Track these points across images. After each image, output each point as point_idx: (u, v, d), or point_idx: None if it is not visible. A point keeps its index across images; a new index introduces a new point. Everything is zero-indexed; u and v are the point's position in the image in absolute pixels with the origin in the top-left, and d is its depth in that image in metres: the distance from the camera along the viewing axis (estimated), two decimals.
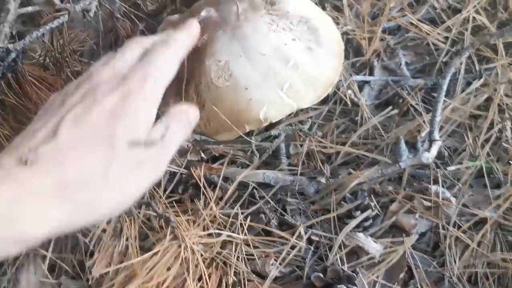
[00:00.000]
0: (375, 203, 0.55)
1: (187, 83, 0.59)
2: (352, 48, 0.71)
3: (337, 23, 0.72)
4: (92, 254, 0.56)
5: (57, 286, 0.56)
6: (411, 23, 0.72)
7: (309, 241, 0.56)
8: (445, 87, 0.56)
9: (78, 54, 0.73)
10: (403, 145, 0.55)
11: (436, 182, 0.57)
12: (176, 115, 0.45)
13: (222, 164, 0.61)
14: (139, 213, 0.56)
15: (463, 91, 0.65)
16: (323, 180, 0.58)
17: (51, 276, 0.57)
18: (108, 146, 0.39)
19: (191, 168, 0.60)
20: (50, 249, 0.57)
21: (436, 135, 0.56)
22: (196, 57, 0.58)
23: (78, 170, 0.37)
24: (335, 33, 0.62)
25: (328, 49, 0.60)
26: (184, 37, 0.49)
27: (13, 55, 0.54)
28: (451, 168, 0.56)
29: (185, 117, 0.46)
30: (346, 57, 0.69)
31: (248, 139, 0.58)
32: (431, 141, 0.56)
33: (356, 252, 0.55)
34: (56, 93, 0.43)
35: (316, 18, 0.60)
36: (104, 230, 0.55)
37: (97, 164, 0.39)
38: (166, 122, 0.44)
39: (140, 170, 0.42)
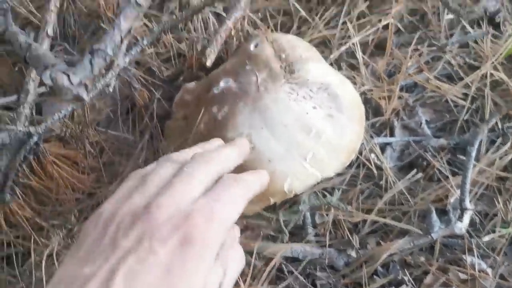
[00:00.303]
0: (409, 277, 0.53)
1: None
2: (371, 108, 0.70)
3: (354, 83, 0.71)
4: None
5: None
6: (428, 80, 0.71)
7: None
8: (473, 154, 0.55)
9: (95, 124, 0.72)
10: (434, 216, 0.54)
11: (470, 251, 0.55)
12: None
13: (247, 237, 0.59)
14: None
15: (487, 150, 0.64)
16: (353, 253, 0.56)
17: None
18: None
19: None
20: None
21: (467, 203, 0.54)
22: (218, 130, 0.57)
23: None
24: (356, 97, 0.62)
25: (349, 114, 0.59)
26: (235, 156, 0.47)
27: (35, 138, 0.53)
28: (486, 238, 0.54)
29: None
30: (366, 117, 0.68)
31: (267, 214, 0.57)
32: (463, 210, 0.54)
33: None
34: (113, 204, 0.38)
35: (335, 83, 0.60)
36: None
37: None
38: (223, 264, 0.39)
39: None
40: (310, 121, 0.56)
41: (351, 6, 0.80)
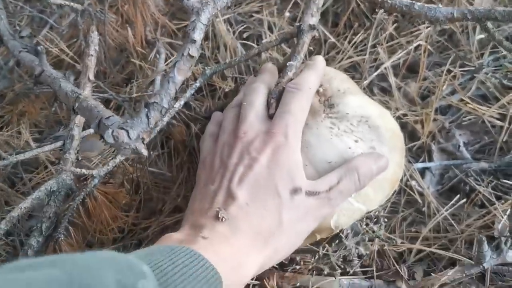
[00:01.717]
0: None
1: None
2: (406, 132, 0.70)
3: (388, 107, 0.71)
4: None
5: None
6: (462, 101, 0.71)
7: None
8: None
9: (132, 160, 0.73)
10: (486, 247, 0.54)
11: None
12: (355, 168, 0.52)
13: (294, 270, 0.59)
14: None
15: None
16: (403, 286, 0.56)
17: None
18: (275, 195, 0.47)
19: (264, 279, 0.58)
20: None
21: None
22: None
23: (261, 221, 0.47)
24: (396, 127, 0.61)
25: (390, 145, 0.59)
26: (312, 78, 0.57)
27: (96, 180, 0.54)
28: None
29: (366, 170, 0.53)
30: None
31: (315, 248, 0.57)
32: None
33: None
34: (208, 154, 0.54)
35: (375, 115, 0.60)
36: None
37: (272, 213, 0.47)
38: (340, 173, 0.52)
39: (304, 217, 0.49)
40: (354, 156, 0.56)
41: (379, 29, 0.80)
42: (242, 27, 0.83)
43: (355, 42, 0.78)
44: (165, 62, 0.78)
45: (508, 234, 0.55)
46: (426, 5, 0.43)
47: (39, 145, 0.67)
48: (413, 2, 0.43)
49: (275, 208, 0.47)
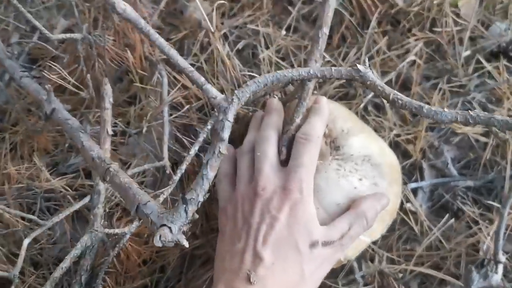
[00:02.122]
0: None
1: None
2: (400, 152, 0.76)
3: (382, 128, 0.77)
4: None
5: None
6: None
7: None
8: (506, 215, 0.62)
9: (143, 185, 0.77)
10: (474, 274, 0.62)
11: None
12: (363, 213, 0.58)
13: None
14: None
15: (510, 189, 0.71)
16: None
17: None
18: (296, 251, 0.53)
19: None
20: None
21: (501, 256, 0.62)
22: None
23: (285, 277, 0.53)
24: (394, 161, 0.67)
25: (390, 179, 0.65)
26: (318, 125, 0.62)
27: (127, 236, 0.59)
28: None
29: (373, 212, 0.59)
30: None
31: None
32: (497, 263, 0.62)
33: None
34: (228, 203, 0.59)
35: (376, 153, 0.65)
36: None
37: (295, 267, 0.53)
38: (350, 220, 0.58)
39: (321, 265, 0.56)
40: (358, 194, 0.62)
41: (370, 42, 0.83)
42: (237, 37, 0.85)
43: (348, 59, 0.82)
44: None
45: (492, 256, 0.63)
46: (433, 108, 0.47)
47: (64, 194, 0.70)
48: (422, 105, 0.48)
49: (297, 263, 0.53)
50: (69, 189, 0.74)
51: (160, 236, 0.43)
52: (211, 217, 0.72)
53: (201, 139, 0.47)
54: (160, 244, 0.43)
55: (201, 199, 0.45)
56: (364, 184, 0.63)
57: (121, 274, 0.64)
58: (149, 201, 0.48)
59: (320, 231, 0.56)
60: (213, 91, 0.50)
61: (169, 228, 0.44)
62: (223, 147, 0.46)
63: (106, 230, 0.57)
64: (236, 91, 0.48)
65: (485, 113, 0.47)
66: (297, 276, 0.53)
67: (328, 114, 0.64)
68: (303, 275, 0.53)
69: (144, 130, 0.74)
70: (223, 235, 0.58)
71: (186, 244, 0.45)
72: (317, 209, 0.61)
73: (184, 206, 0.45)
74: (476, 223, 0.69)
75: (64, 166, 0.79)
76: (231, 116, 0.46)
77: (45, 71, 0.81)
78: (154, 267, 0.71)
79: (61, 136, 0.81)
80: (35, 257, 0.72)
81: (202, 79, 0.52)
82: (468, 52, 0.80)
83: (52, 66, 0.79)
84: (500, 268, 0.62)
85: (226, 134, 0.46)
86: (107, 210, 0.64)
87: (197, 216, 0.45)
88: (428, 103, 0.75)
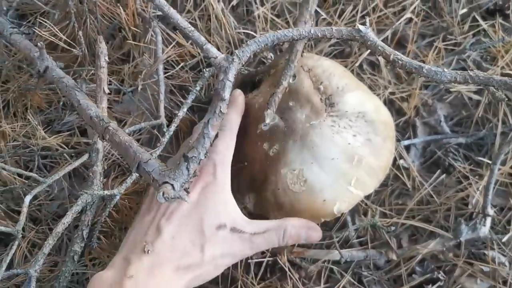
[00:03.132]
0: (442, 274, 0.65)
1: (263, 187, 0.66)
2: (394, 109, 0.77)
3: (377, 86, 0.77)
4: None
5: None
6: None
7: None
8: (496, 171, 0.64)
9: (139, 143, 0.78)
10: (463, 226, 0.64)
11: (490, 244, 0.67)
12: (284, 227, 0.59)
13: (301, 246, 0.69)
14: None
15: (500, 146, 0.72)
16: (393, 256, 0.67)
17: None
18: (199, 230, 0.53)
19: (277, 256, 0.68)
20: None
21: (489, 210, 0.64)
22: (271, 165, 0.64)
23: (183, 255, 0.52)
24: (388, 118, 0.68)
25: (384, 135, 0.66)
26: (234, 116, 0.62)
27: (117, 197, 0.60)
28: (504, 238, 0.66)
29: (294, 234, 0.60)
30: None
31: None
32: (485, 216, 0.64)
33: None
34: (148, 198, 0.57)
35: (371, 110, 0.66)
36: None
37: (195, 247, 0.53)
38: (270, 225, 0.59)
39: (225, 253, 0.55)
40: (352, 150, 0.63)
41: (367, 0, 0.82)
42: None
43: (344, 16, 0.81)
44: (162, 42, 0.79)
45: (480, 210, 0.65)
46: (433, 69, 0.48)
47: (61, 152, 0.70)
48: (422, 65, 0.48)
49: (197, 242, 0.53)
50: (65, 147, 0.75)
51: (163, 193, 0.44)
52: None
53: (189, 100, 0.47)
54: (163, 201, 0.43)
55: (202, 157, 0.46)
56: (358, 140, 0.64)
57: (117, 231, 0.66)
58: (150, 159, 0.49)
59: (231, 216, 0.56)
60: (214, 51, 0.50)
61: (172, 185, 0.45)
62: (224, 107, 0.46)
63: (96, 192, 0.57)
64: (236, 51, 0.48)
65: (484, 73, 0.48)
66: (197, 254, 0.53)
67: (242, 105, 0.65)
68: (202, 255, 0.53)
69: (139, 89, 0.73)
70: (139, 211, 0.59)
71: (187, 199, 0.46)
72: (311, 164, 0.63)
73: (186, 164, 0.46)
74: (467, 178, 0.71)
75: (59, 124, 0.79)
76: (231, 76, 0.46)
77: (36, 28, 0.79)
78: None
79: (55, 94, 0.81)
80: (34, 213, 0.73)
81: (202, 38, 0.52)
82: (464, 10, 0.80)
83: (43, 22, 0.78)
84: (488, 221, 0.65)
85: (227, 94, 0.46)
86: (105, 168, 0.65)
87: (198, 173, 0.46)
88: (423, 61, 0.76)
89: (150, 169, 0.48)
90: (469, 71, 0.48)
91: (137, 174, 0.56)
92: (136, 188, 0.69)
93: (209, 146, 0.46)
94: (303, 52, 0.68)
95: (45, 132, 0.76)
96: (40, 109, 0.81)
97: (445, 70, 0.48)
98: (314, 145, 0.63)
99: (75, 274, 0.69)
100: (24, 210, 0.55)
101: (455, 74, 0.48)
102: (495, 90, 0.48)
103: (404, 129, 0.77)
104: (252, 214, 0.69)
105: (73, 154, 0.72)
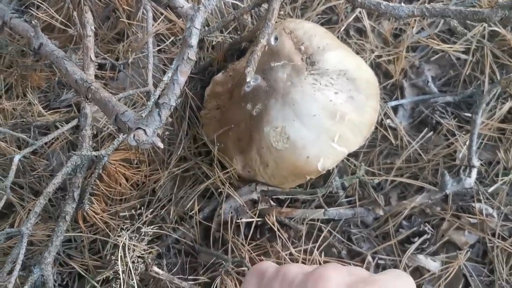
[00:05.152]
0: (429, 227, 0.65)
1: (248, 147, 0.67)
2: (381, 72, 0.77)
3: (364, 50, 0.78)
4: None
5: None
6: (431, 38, 0.78)
7: (377, 265, 0.67)
8: (479, 121, 0.64)
9: None
10: (448, 177, 0.64)
11: (477, 196, 0.66)
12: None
13: (289, 206, 0.71)
14: (233, 269, 0.66)
15: (488, 103, 0.72)
16: (380, 212, 0.67)
17: None
18: None
19: (265, 216, 0.69)
20: None
21: (475, 161, 0.64)
22: (254, 125, 0.66)
23: None
24: (370, 76, 0.69)
25: (366, 93, 0.67)
26: None
27: (105, 158, 0.62)
28: (491, 189, 0.65)
29: None
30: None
31: (306, 190, 0.67)
32: (471, 167, 0.64)
33: (418, 269, 0.65)
34: None
35: (352, 68, 0.67)
36: None
37: None
38: None
39: None
40: (334, 107, 0.64)
41: None
42: None
43: None
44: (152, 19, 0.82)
45: (466, 163, 0.65)
46: (391, 4, 0.49)
47: (55, 120, 0.73)
48: (380, 2, 0.49)
49: None
50: (63, 123, 0.78)
51: (134, 136, 0.45)
52: (199, 140, 0.75)
53: (174, 66, 0.48)
54: (134, 143, 0.45)
55: (173, 103, 0.48)
56: (340, 97, 0.65)
57: (110, 197, 0.68)
58: (126, 110, 0.51)
59: None
60: (181, 0, 0.51)
61: (144, 130, 0.47)
62: (192, 53, 0.48)
63: (83, 153, 0.60)
64: (203, 0, 0.49)
65: (440, 5, 0.48)
66: None
67: None
68: None
69: (129, 61, 0.76)
70: None
71: (161, 145, 0.48)
72: (293, 121, 0.64)
73: (158, 110, 0.48)
74: (454, 135, 0.71)
75: (57, 101, 0.82)
76: (198, 23, 0.48)
77: (33, 9, 0.83)
78: (146, 190, 0.74)
79: (53, 75, 0.84)
80: (35, 185, 0.76)
81: None
82: None
83: (40, 5, 0.82)
84: (474, 172, 0.64)
85: (194, 41, 0.48)
86: (99, 136, 0.68)
87: (170, 119, 0.48)
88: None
89: (126, 119, 0.49)
90: (425, 4, 0.48)
91: (116, 127, 0.57)
92: (127, 156, 0.72)
93: (179, 92, 0.48)
94: (285, 17, 0.69)
95: (44, 109, 0.79)
96: (40, 89, 0.84)
97: (403, 4, 0.49)
98: (295, 102, 0.64)
99: (73, 241, 0.72)
100: (13, 168, 0.58)
101: (412, 8, 0.49)
102: (456, 25, 0.48)
103: (392, 92, 0.77)
104: (240, 177, 0.71)
105: (64, 124, 0.75)
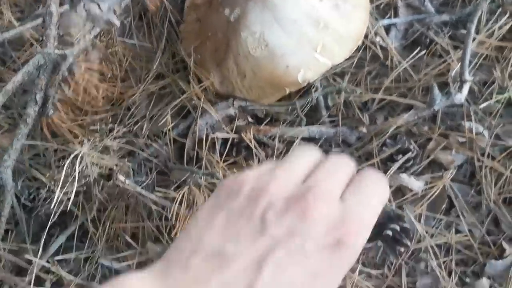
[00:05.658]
0: (414, 145, 0.61)
1: (225, 56, 0.63)
2: None
3: None
4: (166, 219, 0.64)
5: (143, 252, 0.64)
6: None
7: None
8: (473, 30, 0.59)
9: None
10: (436, 91, 0.59)
11: (468, 117, 0.62)
12: None
13: (268, 124, 0.66)
14: (205, 181, 0.62)
15: (487, 21, 0.67)
16: (363, 129, 0.63)
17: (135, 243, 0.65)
18: None
19: (242, 133, 0.65)
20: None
21: (467, 75, 0.59)
22: (232, 32, 0.61)
23: None
24: None
25: (354, 2, 0.62)
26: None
27: (70, 59, 0.58)
28: (482, 105, 0.61)
29: None
30: (370, 0, 0.70)
31: (284, 103, 0.63)
32: (462, 82, 0.59)
33: (401, 190, 0.61)
34: (244, 179, 0.33)
35: None
36: (180, 202, 0.61)
37: None
38: None
39: None
40: (318, 14, 0.60)
41: None
42: None
43: None
44: None
45: (458, 79, 0.61)
46: None
47: (21, 24, 0.70)
48: None
49: None
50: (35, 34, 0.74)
51: (84, 5, 0.41)
52: (177, 56, 0.71)
53: None
54: (83, 13, 0.41)
55: None
56: (325, 5, 0.60)
57: (78, 107, 0.64)
58: None
59: None
60: None
61: (97, 4, 0.43)
62: None
63: (46, 51, 0.56)
64: None
65: None
66: None
67: None
68: None
69: None
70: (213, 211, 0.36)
71: (116, 23, 0.44)
72: (272, 25, 0.60)
73: None
74: (447, 53, 0.66)
75: (30, 16, 0.78)
76: None
77: None
78: (120, 106, 0.71)
79: None
80: (7, 101, 0.73)
81: None
82: None
83: None
84: (466, 87, 0.60)
85: None
86: (62, 35, 0.63)
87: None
88: None
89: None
90: None
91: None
92: (100, 68, 0.68)
93: None
94: None
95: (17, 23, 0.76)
96: (15, 4, 0.80)
97: None
98: (275, 5, 0.59)
99: (41, 155, 0.69)
100: None
101: None
102: None
103: (385, 12, 0.72)
104: (218, 94, 0.67)
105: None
